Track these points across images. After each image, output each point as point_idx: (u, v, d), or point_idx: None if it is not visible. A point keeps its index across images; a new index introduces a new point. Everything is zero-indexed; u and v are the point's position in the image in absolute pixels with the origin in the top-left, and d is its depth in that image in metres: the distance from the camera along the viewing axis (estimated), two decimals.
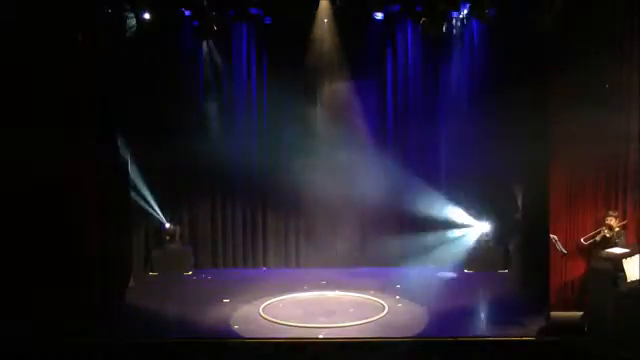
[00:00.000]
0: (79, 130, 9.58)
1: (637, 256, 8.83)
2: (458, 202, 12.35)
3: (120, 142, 10.85)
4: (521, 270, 11.16)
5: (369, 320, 9.62)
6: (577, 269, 9.33)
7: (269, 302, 10.43)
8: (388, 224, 12.38)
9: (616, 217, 9.11)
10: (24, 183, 9.39)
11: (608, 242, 9.06)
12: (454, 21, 11.72)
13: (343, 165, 11.74)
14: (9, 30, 9.17)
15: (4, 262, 9.37)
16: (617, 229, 9.08)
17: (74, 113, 9.52)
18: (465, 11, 11.44)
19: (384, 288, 11.02)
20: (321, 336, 9.05)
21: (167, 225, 12.28)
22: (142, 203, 12.02)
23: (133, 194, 11.73)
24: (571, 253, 9.31)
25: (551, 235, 9.39)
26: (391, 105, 12.47)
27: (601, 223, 9.20)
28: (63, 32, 9.34)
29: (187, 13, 11.37)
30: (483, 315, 9.82)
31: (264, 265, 12.74)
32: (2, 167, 9.33)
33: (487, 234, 12.18)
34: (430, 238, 12.34)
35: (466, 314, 9.90)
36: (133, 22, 11.00)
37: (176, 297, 10.98)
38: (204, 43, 12.04)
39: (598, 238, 9.14)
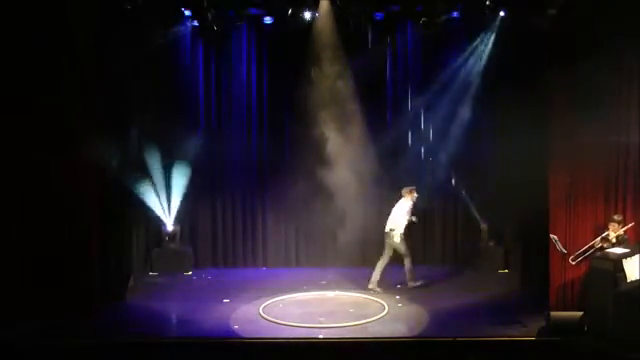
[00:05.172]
0: (79, 130, 9.60)
1: (637, 256, 8.84)
2: (459, 201, 12.36)
3: (120, 142, 10.83)
4: (521, 270, 11.17)
5: (369, 320, 9.62)
6: (577, 269, 9.33)
7: (269, 302, 10.43)
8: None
9: (619, 223, 9.07)
10: (24, 183, 9.41)
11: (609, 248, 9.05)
12: (454, 21, 11.70)
13: (343, 164, 11.71)
14: (10, 29, 9.20)
15: (4, 262, 9.38)
16: (620, 234, 9.03)
17: (75, 113, 9.55)
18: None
19: (384, 288, 11.02)
20: (321, 336, 9.05)
21: (167, 225, 12.26)
22: (142, 203, 12.03)
23: (133, 194, 11.72)
24: (571, 253, 9.31)
25: (551, 235, 9.39)
26: (391, 105, 12.47)
27: (601, 225, 9.19)
28: (64, 32, 9.36)
29: (187, 13, 11.38)
30: (483, 315, 9.80)
31: (264, 265, 12.74)
32: (2, 167, 9.34)
33: (486, 231, 12.19)
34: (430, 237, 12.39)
35: (466, 314, 9.89)
36: None
37: (176, 297, 10.99)
38: (204, 43, 12.06)
39: (592, 250, 9.11)
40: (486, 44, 11.80)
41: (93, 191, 9.91)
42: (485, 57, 11.85)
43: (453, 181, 12.41)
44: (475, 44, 11.92)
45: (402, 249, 11.04)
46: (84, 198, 9.74)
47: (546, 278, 9.67)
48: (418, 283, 11.15)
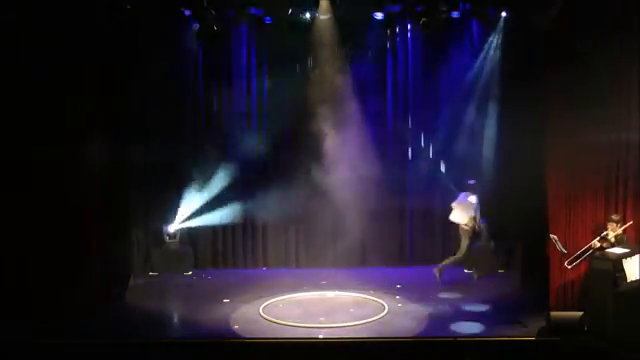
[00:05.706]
0: (80, 131, 9.60)
1: (637, 256, 8.83)
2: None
3: (120, 142, 10.83)
4: (521, 270, 11.17)
5: (369, 320, 9.62)
6: (577, 269, 9.32)
7: (269, 302, 10.43)
8: (388, 223, 12.39)
9: (617, 222, 9.05)
10: (24, 184, 9.40)
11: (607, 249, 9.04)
12: (454, 21, 11.71)
13: (344, 165, 11.73)
14: (12, 30, 9.21)
15: (4, 262, 9.38)
16: (618, 233, 9.02)
17: (75, 114, 9.55)
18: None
19: (384, 288, 11.02)
20: (321, 336, 9.05)
21: (170, 226, 12.25)
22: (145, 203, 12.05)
23: (133, 194, 11.75)
24: (571, 254, 9.30)
25: (551, 235, 9.38)
26: (391, 104, 12.47)
27: (601, 224, 9.18)
28: (65, 36, 9.37)
29: (187, 13, 11.39)
30: (483, 315, 9.81)
31: (264, 265, 12.74)
32: (7, 165, 9.33)
33: (486, 231, 12.19)
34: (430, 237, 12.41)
35: (466, 314, 9.89)
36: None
37: (176, 297, 10.99)
38: (204, 43, 12.07)
39: (590, 251, 9.09)
40: (487, 44, 11.82)
41: (96, 191, 9.90)
42: (485, 57, 11.87)
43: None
44: (476, 44, 11.94)
45: (464, 243, 11.22)
46: (87, 198, 9.74)
47: (546, 278, 9.67)
48: (439, 279, 11.23)
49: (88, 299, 9.69)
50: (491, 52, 11.79)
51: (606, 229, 9.10)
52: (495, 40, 11.70)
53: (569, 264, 9.15)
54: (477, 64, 12.01)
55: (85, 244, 9.75)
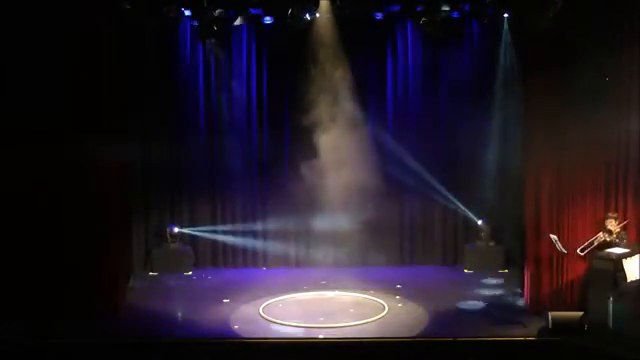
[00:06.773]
0: (81, 130, 9.60)
1: (637, 256, 8.85)
2: (458, 201, 12.37)
3: (120, 142, 10.82)
4: (521, 270, 11.15)
5: (369, 320, 9.62)
6: (577, 269, 9.33)
7: (269, 302, 10.43)
8: (388, 223, 12.38)
9: (616, 219, 9.08)
10: (24, 185, 9.41)
11: (609, 245, 9.04)
12: (454, 21, 11.70)
13: (343, 165, 11.71)
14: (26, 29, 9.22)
15: (6, 261, 9.39)
16: (618, 231, 9.05)
17: (76, 114, 9.56)
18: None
19: (384, 288, 11.02)
20: (321, 336, 9.05)
21: (174, 227, 12.26)
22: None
23: (133, 194, 11.75)
24: (571, 253, 9.30)
25: (551, 235, 9.39)
26: (391, 105, 12.46)
27: (601, 224, 9.19)
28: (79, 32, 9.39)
29: (187, 13, 11.38)
30: (483, 315, 9.81)
31: (264, 265, 12.74)
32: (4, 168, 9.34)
33: (486, 231, 12.19)
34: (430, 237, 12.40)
35: (466, 314, 9.89)
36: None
37: (176, 297, 10.98)
38: (204, 43, 12.07)
39: (596, 242, 9.12)
40: (488, 44, 11.81)
41: (100, 191, 9.89)
42: (486, 57, 11.86)
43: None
44: (476, 44, 11.94)
45: None
46: (91, 198, 9.71)
47: (546, 278, 9.66)
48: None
49: (89, 299, 9.67)
50: (492, 52, 11.78)
51: (605, 226, 9.14)
52: (496, 39, 11.68)
53: (581, 251, 9.15)
54: (477, 64, 12.00)
55: (88, 244, 9.72)
